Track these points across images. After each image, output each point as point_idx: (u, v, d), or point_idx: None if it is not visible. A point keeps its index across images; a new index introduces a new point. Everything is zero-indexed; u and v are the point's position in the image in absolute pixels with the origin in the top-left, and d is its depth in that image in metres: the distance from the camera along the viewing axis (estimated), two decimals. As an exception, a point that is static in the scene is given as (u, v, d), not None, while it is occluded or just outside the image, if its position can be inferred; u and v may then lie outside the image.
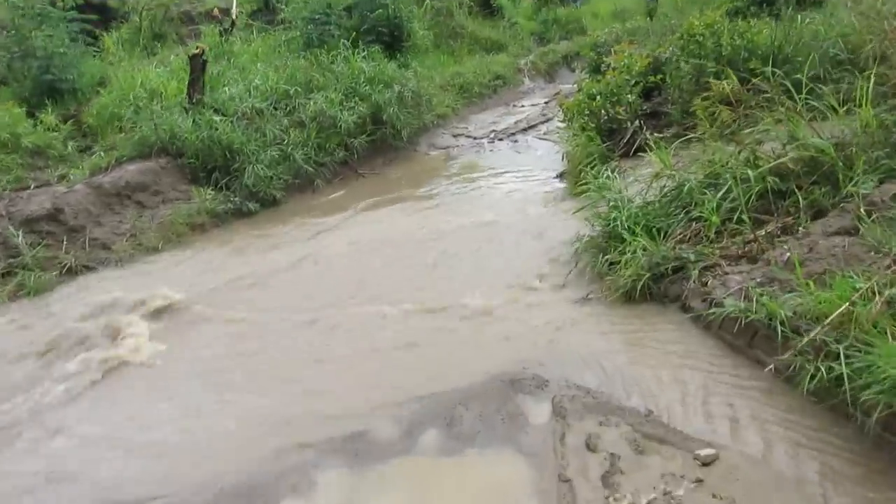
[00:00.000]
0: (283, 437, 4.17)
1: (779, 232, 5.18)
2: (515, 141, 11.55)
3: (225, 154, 9.04)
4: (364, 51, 11.94)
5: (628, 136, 8.69)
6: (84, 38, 12.85)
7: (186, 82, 9.88)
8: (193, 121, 9.15)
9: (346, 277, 6.52)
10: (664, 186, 5.87)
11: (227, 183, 8.94)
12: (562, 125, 11.40)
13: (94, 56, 13.20)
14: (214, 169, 9.06)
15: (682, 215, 5.54)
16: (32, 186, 8.41)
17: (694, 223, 5.48)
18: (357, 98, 10.64)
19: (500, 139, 11.76)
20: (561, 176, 9.02)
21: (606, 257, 5.44)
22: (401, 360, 4.90)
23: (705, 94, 6.31)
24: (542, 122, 12.55)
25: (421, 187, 9.54)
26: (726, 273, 4.81)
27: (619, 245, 5.51)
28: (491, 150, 11.16)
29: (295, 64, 11.25)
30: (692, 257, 4.98)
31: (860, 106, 5.11)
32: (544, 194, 8.34)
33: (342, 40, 11.89)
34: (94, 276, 7.06)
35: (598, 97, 8.93)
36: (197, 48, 9.79)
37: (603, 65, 10.70)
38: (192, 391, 4.85)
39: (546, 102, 14.31)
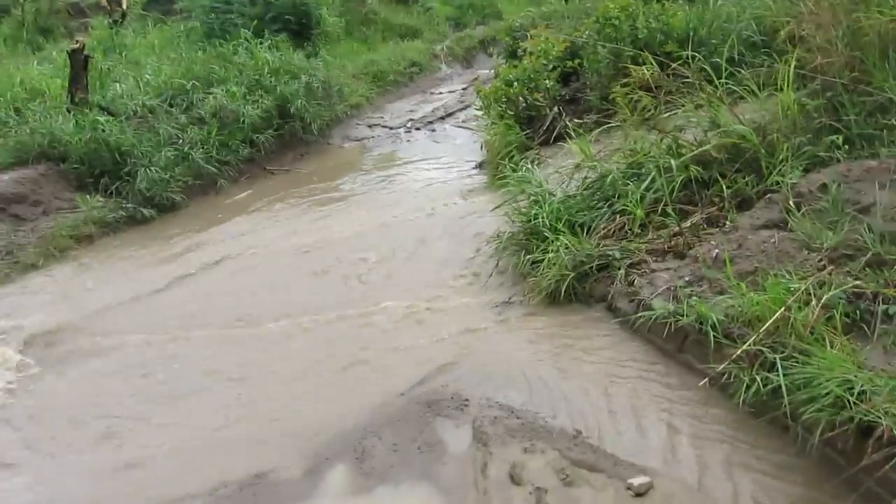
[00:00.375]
0: (166, 486, 3.62)
1: (704, 224, 4.94)
2: (433, 130, 11.12)
3: (114, 157, 8.22)
4: (269, 41, 11.22)
5: (548, 123, 8.38)
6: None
7: (67, 81, 8.96)
8: (76, 122, 8.28)
9: (250, 289, 5.94)
10: (586, 178, 5.56)
11: (118, 188, 8.14)
12: (479, 113, 11.07)
13: (-28, 52, 11.97)
14: (103, 174, 8.23)
15: (605, 208, 5.25)
16: None
17: (618, 216, 5.18)
18: (262, 91, 9.95)
19: (418, 128, 11.30)
20: (480, 166, 8.65)
21: (529, 256, 5.08)
22: (308, 380, 4.41)
23: (625, 80, 5.99)
24: (460, 110, 12.15)
25: (334, 183, 9.00)
26: (653, 270, 4.53)
27: (542, 243, 5.17)
28: (408, 141, 10.69)
29: (192, 56, 10.43)
30: (617, 254, 4.68)
31: (780, 90, 4.90)
32: (463, 187, 7.95)
33: (244, 30, 11.11)
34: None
35: (516, 83, 8.58)
36: (76, 42, 8.88)
37: (519, 50, 10.38)
38: (56, 434, 4.21)
39: (464, 89, 13.92)
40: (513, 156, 7.66)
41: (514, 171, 5.87)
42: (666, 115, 5.74)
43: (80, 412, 4.42)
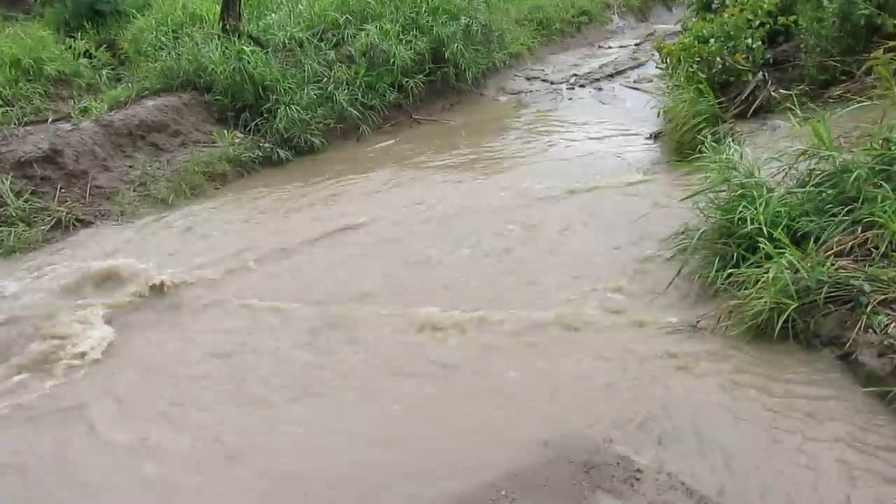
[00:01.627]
0: None
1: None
2: (600, 89, 9.81)
3: (257, 91, 7.74)
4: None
5: (748, 91, 6.89)
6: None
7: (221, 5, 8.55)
8: (223, 51, 7.84)
9: (378, 262, 5.17)
10: (814, 170, 4.21)
11: (258, 125, 7.67)
12: (659, 73, 9.60)
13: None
14: (244, 108, 7.80)
15: (842, 216, 3.91)
16: (50, 120, 7.35)
17: (859, 229, 3.85)
18: (417, 30, 9.09)
19: (582, 85, 10.03)
20: (655, 137, 7.34)
21: (729, 271, 3.88)
22: (420, 414, 3.50)
23: (890, 44, 4.49)
24: (632, 68, 10.70)
25: (484, 141, 8.03)
26: (915, 315, 3.23)
27: (748, 252, 3.96)
28: (570, 99, 9.48)
29: (348, -13, 9.72)
30: (866, 287, 3.39)
31: None
32: (634, 161, 6.71)
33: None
34: (88, 233, 5.97)
35: (713, 40, 7.11)
36: (232, -36, 8.40)
37: (715, 1, 8.77)
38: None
39: (637, 44, 12.36)
40: (701, 128, 6.34)
41: (715, 150, 4.56)
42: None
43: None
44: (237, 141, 7.44)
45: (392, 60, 8.59)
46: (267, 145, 7.50)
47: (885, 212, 3.64)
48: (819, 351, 3.48)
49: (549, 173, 6.68)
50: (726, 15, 7.52)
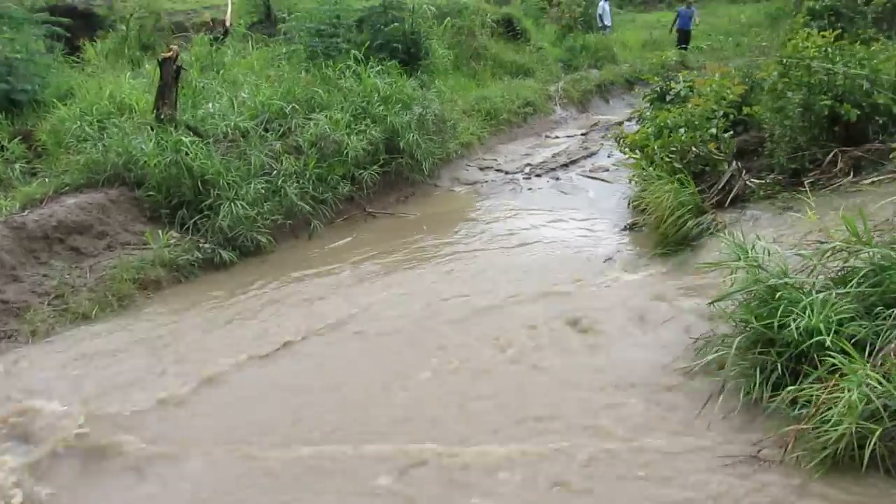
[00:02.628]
0: None
1: None
2: (557, 178, 9.52)
3: (196, 186, 6.98)
4: (378, 66, 9.98)
5: (724, 181, 6.65)
6: (60, 47, 11.07)
7: (155, 93, 7.86)
8: (158, 141, 7.10)
9: (332, 392, 4.37)
10: (852, 268, 3.77)
11: (197, 224, 6.87)
12: (614, 162, 9.45)
13: (73, 67, 11.29)
14: (181, 205, 7.00)
15: (891, 318, 3.45)
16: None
17: (916, 333, 3.39)
18: (368, 120, 8.63)
19: (539, 175, 9.73)
20: (631, 228, 6.96)
21: (790, 389, 3.31)
22: None
23: None
24: (585, 157, 10.54)
25: (446, 237, 7.44)
26: None
27: (791, 362, 3.43)
28: (529, 189, 9.11)
29: (294, 77, 9.25)
30: (960, 408, 2.87)
31: None
32: (616, 255, 6.25)
33: (353, 51, 9.90)
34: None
35: (682, 130, 6.90)
36: (169, 50, 7.78)
37: (671, 92, 8.74)
38: None
39: (584, 134, 12.34)
40: (686, 220, 5.99)
41: (737, 244, 4.08)
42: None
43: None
44: (173, 242, 6.60)
45: (344, 151, 8.05)
46: (208, 246, 6.68)
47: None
48: (906, 483, 2.91)
49: (523, 272, 6.13)
50: (690, 105, 7.41)
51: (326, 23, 11.53)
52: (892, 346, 3.38)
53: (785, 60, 7.08)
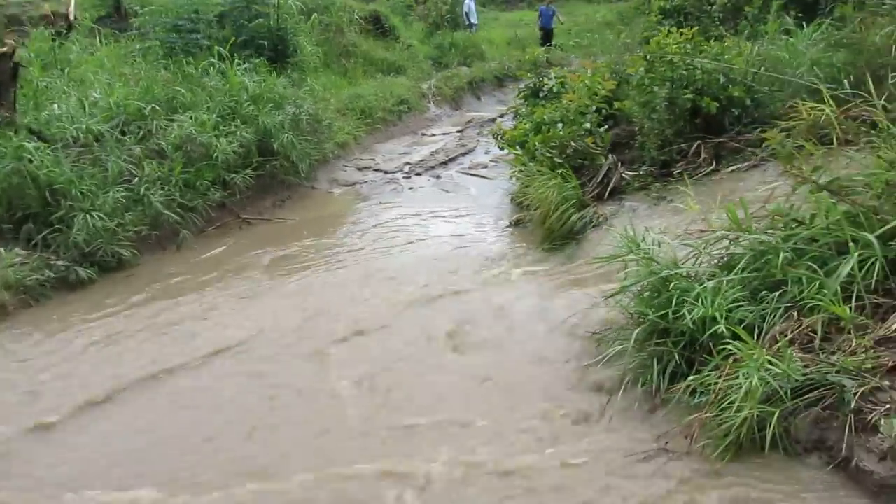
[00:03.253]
0: None
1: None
2: (438, 177, 9.45)
3: (43, 197, 6.23)
4: (245, 63, 9.45)
5: (602, 174, 6.84)
6: None
7: (-12, 94, 6.95)
8: (-6, 149, 6.28)
9: (200, 426, 4.00)
10: (733, 254, 3.92)
11: (48, 239, 6.14)
12: (497, 160, 9.52)
13: None
14: (27, 218, 6.23)
15: (774, 302, 3.61)
16: None
17: (797, 315, 3.57)
18: (238, 121, 8.12)
19: (419, 174, 9.61)
20: (516, 224, 7.00)
21: (691, 380, 3.37)
22: None
23: (782, 125, 4.43)
24: (463, 154, 10.56)
25: (328, 241, 7.14)
26: (906, 408, 2.90)
27: (686, 351, 3.51)
28: (411, 189, 8.97)
29: (152, 76, 8.54)
30: (846, 382, 3.02)
31: None
32: (506, 252, 6.25)
33: (217, 48, 9.30)
34: None
35: (561, 125, 7.03)
36: (4, 45, 6.90)
37: (544, 88, 8.92)
38: None
39: (460, 131, 12.38)
40: (570, 214, 6.08)
41: (631, 237, 4.13)
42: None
43: None
44: (18, 260, 5.84)
45: (213, 154, 7.51)
46: (61, 263, 5.99)
47: (825, 297, 3.39)
48: (807, 459, 3.04)
49: (410, 275, 5.94)
50: (564, 100, 7.57)
51: (184, 18, 10.78)
52: (778, 328, 3.54)
53: (648, 56, 7.40)
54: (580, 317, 4.41)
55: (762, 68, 7.22)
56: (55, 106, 7.54)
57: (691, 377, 3.37)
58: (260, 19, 11.62)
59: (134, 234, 6.57)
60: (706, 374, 3.30)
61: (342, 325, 5.01)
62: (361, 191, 9.00)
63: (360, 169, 9.98)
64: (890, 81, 4.32)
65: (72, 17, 11.78)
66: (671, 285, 3.67)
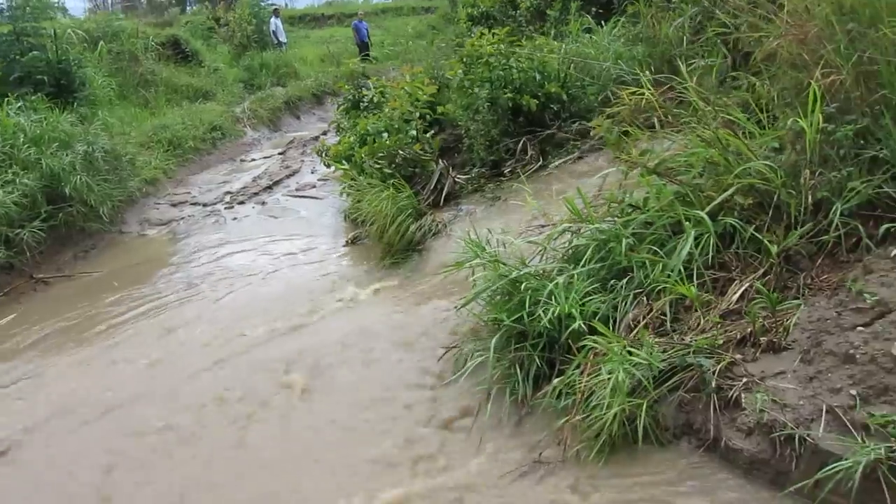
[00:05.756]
0: None
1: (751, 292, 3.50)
2: (263, 203, 8.85)
3: None
4: (19, 101, 8.26)
5: (435, 180, 6.67)
6: None
7: None
8: None
9: None
10: (577, 246, 3.85)
11: None
12: (325, 178, 9.11)
13: None
14: None
15: (623, 289, 3.56)
16: None
17: (646, 299, 3.54)
18: (17, 167, 7.02)
19: (241, 202, 8.95)
20: (353, 242, 6.64)
21: (556, 382, 3.18)
22: None
23: (607, 111, 4.44)
24: (288, 177, 10.04)
25: (141, 291, 6.29)
26: (761, 378, 2.91)
27: (545, 352, 3.36)
28: (234, 219, 8.30)
29: None
30: (704, 362, 2.98)
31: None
32: (345, 274, 5.86)
33: (-21, 88, 8.06)
34: None
35: (386, 134, 6.77)
36: None
37: (364, 99, 8.66)
38: None
39: (282, 153, 11.81)
40: (408, 225, 5.84)
41: (474, 242, 3.91)
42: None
43: None
44: None
45: (-12, 209, 6.42)
46: None
47: (668, 277, 3.39)
48: (677, 445, 2.97)
49: (241, 316, 5.34)
50: (387, 109, 7.35)
51: (-63, 55, 9.34)
52: (631, 315, 3.49)
53: (464, 59, 7.38)
54: (434, 332, 4.15)
55: (572, 65, 7.47)
56: None
57: (556, 380, 3.20)
58: (34, 52, 10.34)
59: None
60: (570, 374, 3.14)
61: (151, 383, 4.38)
62: (178, 229, 8.18)
63: (174, 205, 9.11)
64: (685, 69, 4.51)
65: None
66: (522, 286, 3.50)
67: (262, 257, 6.80)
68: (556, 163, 6.83)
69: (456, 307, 3.92)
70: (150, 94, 13.42)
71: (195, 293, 6.08)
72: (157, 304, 5.90)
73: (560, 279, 3.46)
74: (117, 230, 8.06)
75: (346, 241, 6.67)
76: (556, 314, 3.28)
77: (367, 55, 17.76)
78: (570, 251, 3.85)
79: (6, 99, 8.03)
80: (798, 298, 3.29)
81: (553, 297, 3.38)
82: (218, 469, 3.47)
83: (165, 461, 3.59)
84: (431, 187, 6.57)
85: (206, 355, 4.68)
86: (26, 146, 7.27)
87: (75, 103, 9.88)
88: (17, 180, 6.84)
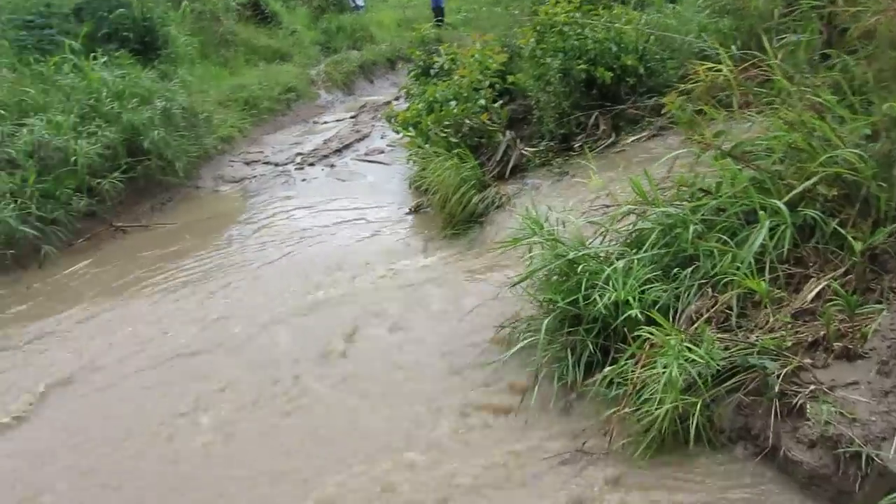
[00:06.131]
0: None
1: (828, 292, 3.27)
2: (332, 166, 8.93)
3: None
4: (105, 57, 8.55)
5: (501, 152, 6.54)
6: None
7: None
8: None
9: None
10: (641, 230, 3.69)
11: None
12: (389, 143, 9.10)
13: None
14: None
15: (687, 279, 3.40)
16: None
17: (710, 290, 3.37)
18: (100, 120, 7.30)
19: (312, 164, 9.06)
20: (416, 210, 6.62)
21: (607, 370, 3.09)
22: None
23: (680, 88, 4.21)
24: (358, 141, 10.07)
25: (213, 245, 6.52)
26: (831, 388, 2.73)
27: (599, 338, 3.26)
28: (304, 180, 8.42)
29: (-6, 76, 7.55)
30: (768, 365, 2.81)
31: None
32: (405, 242, 5.86)
33: (69, 42, 8.36)
34: None
35: (454, 102, 6.67)
36: None
37: (434, 66, 8.54)
38: None
39: (353, 117, 11.85)
40: (471, 197, 5.76)
41: (534, 220, 3.80)
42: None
43: None
44: None
45: (73, 159, 6.70)
46: None
47: (738, 270, 3.20)
48: (731, 450, 2.83)
49: (307, 275, 5.44)
50: (456, 77, 7.22)
51: (34, 12, 9.71)
52: (693, 307, 3.33)
53: (537, 27, 7.16)
54: (487, 308, 4.09)
55: (651, 37, 7.15)
56: None
57: (608, 368, 3.10)
58: (122, 10, 10.64)
59: (-15, 255, 5.76)
60: (622, 363, 3.03)
61: (225, 334, 4.50)
62: (250, 187, 8.37)
63: (247, 163, 9.31)
64: (775, 45, 4.20)
65: None
66: (579, 268, 3.38)
67: (328, 220, 6.87)
68: (629, 140, 6.59)
69: (510, 284, 3.83)
70: (229, 53, 13.65)
71: (262, 251, 6.22)
72: (225, 261, 6.07)
73: (620, 263, 3.32)
74: (193, 185, 8.32)
75: (410, 209, 6.65)
76: (612, 300, 3.15)
77: (441, 20, 17.53)
78: (634, 234, 3.69)
79: (93, 54, 8.30)
80: (881, 303, 3.05)
81: (611, 282, 3.25)
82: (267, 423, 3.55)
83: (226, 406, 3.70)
84: (497, 159, 6.45)
85: (269, 312, 4.77)
86: (109, 100, 7.53)
87: (157, 61, 10.16)
88: (100, 132, 7.12)
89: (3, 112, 6.92)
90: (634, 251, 3.51)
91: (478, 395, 3.44)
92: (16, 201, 6.22)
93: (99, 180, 6.97)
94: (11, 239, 6.07)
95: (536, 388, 3.30)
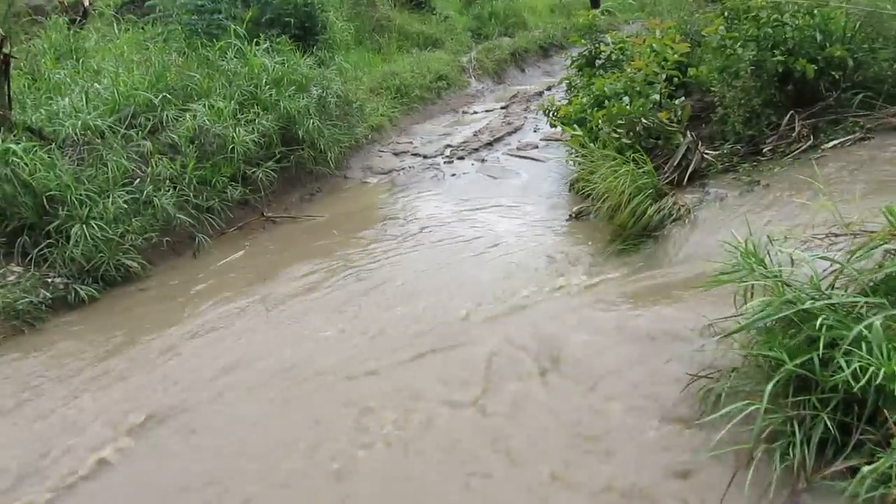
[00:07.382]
0: None
1: None
2: (483, 160, 8.47)
3: (39, 205, 5.51)
4: (266, 42, 8.59)
5: (679, 156, 5.76)
6: None
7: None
8: (-20, 152, 5.57)
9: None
10: (889, 271, 2.87)
11: (44, 253, 5.43)
12: (548, 139, 8.50)
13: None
14: (23, 229, 5.52)
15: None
16: None
17: None
18: (258, 107, 7.28)
19: (461, 157, 8.65)
20: (577, 217, 6.00)
21: (866, 468, 2.36)
22: None
23: None
24: (510, 134, 9.55)
25: (361, 241, 6.25)
26: None
27: (847, 416, 2.51)
28: (453, 175, 8.02)
29: (164, 61, 7.73)
30: None
31: None
32: (568, 252, 5.26)
33: (233, 27, 8.46)
34: None
35: (626, 98, 5.96)
36: (-8, 35, 6.16)
37: (601, 55, 7.82)
38: None
39: (504, 107, 11.34)
40: (646, 207, 5.06)
41: (753, 254, 3.08)
42: None
43: None
44: (12, 279, 5.14)
45: (230, 146, 6.70)
46: (59, 281, 5.27)
47: None
48: None
49: (457, 285, 4.96)
50: (629, 69, 6.48)
51: (204, -1, 10.00)
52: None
53: (727, 13, 6.27)
54: (670, 347, 3.42)
55: (860, 23, 6.06)
56: (63, 100, 6.81)
57: (854, 457, 2.37)
58: (285, -4, 10.77)
59: (143, 241, 5.83)
60: (882, 458, 2.29)
61: (377, 346, 4.15)
62: (398, 179, 8.09)
63: (396, 154, 9.08)
64: None
65: (87, 4, 11.08)
66: (817, 322, 2.64)
67: (478, 222, 6.40)
68: (830, 144, 5.59)
69: (720, 336, 3.10)
70: (383, 39, 13.58)
71: (409, 253, 5.86)
72: (371, 259, 5.77)
73: (877, 321, 2.54)
74: (342, 175, 8.19)
75: (570, 215, 6.03)
76: (868, 371, 2.41)
77: (597, 4, 16.59)
78: (884, 279, 2.88)
79: (255, 39, 8.36)
80: None
81: (863, 345, 2.50)
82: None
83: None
84: (674, 163, 5.67)
85: (412, 331, 4.37)
86: (268, 87, 7.50)
87: (315, 46, 10.17)
88: (257, 120, 7.08)
89: (169, 97, 7.04)
90: (892, 303, 2.71)
91: (666, 466, 2.80)
92: (174, 187, 6.28)
93: (253, 169, 6.95)
94: (168, 226, 6.13)
95: (751, 471, 2.61)
